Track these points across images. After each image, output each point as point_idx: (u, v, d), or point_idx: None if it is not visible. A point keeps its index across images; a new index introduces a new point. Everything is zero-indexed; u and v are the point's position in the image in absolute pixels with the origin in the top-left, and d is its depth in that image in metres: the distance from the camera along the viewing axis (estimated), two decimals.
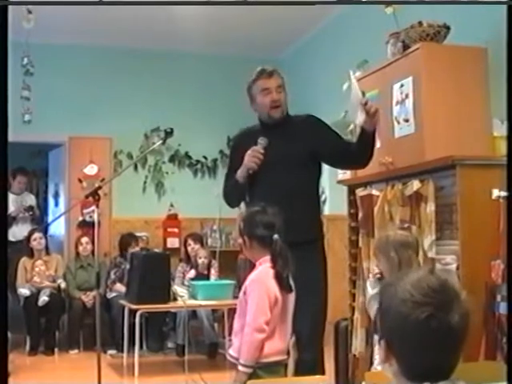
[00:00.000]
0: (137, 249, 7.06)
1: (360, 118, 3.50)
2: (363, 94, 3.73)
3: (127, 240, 7.22)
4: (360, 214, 4.45)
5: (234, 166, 3.78)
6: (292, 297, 2.96)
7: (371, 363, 3.63)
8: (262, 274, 2.89)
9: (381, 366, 1.50)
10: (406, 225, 3.31)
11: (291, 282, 2.92)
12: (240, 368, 2.81)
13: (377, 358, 3.21)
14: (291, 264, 2.91)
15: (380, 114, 3.56)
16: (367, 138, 3.56)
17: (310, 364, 3.46)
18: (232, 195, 3.86)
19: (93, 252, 6.89)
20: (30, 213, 7.57)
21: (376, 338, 3.16)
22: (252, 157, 3.55)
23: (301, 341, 3.47)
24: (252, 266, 2.99)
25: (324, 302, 3.61)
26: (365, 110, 3.43)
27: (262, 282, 2.86)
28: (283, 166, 3.59)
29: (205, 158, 8.39)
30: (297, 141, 3.64)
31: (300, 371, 3.39)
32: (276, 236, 2.90)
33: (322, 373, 3.48)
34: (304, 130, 3.70)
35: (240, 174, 3.62)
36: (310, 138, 3.67)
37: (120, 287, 6.80)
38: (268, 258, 2.90)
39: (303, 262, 3.33)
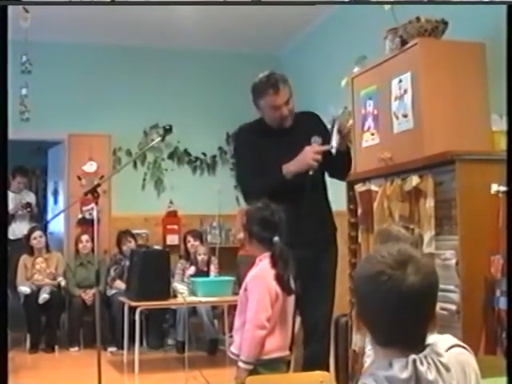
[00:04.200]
0: (129, 245, 7.09)
1: (334, 140, 3.46)
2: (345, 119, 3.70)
3: (119, 237, 7.23)
4: (359, 210, 4.45)
5: (252, 158, 3.60)
6: (293, 297, 2.96)
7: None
8: (263, 271, 2.89)
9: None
10: (411, 226, 3.27)
11: (292, 285, 2.92)
12: (241, 364, 2.81)
13: (366, 351, 3.20)
14: (292, 266, 2.91)
15: (350, 132, 3.68)
16: (343, 156, 3.57)
17: (321, 355, 3.52)
18: (269, 189, 3.41)
19: (92, 249, 6.89)
20: (28, 209, 7.56)
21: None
22: (313, 154, 3.41)
23: (315, 333, 3.51)
24: (252, 263, 3.00)
25: (334, 296, 3.66)
26: (338, 132, 3.45)
27: (262, 279, 2.86)
28: None
29: (204, 154, 8.38)
30: (308, 139, 3.58)
31: (311, 363, 3.41)
32: (276, 238, 2.88)
33: (327, 366, 3.52)
34: (313, 128, 3.65)
35: (292, 169, 3.43)
36: (318, 136, 3.59)
37: (120, 284, 6.81)
38: (268, 254, 2.91)
39: (322, 258, 3.51)
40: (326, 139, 3.62)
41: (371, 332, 1.41)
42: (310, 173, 3.41)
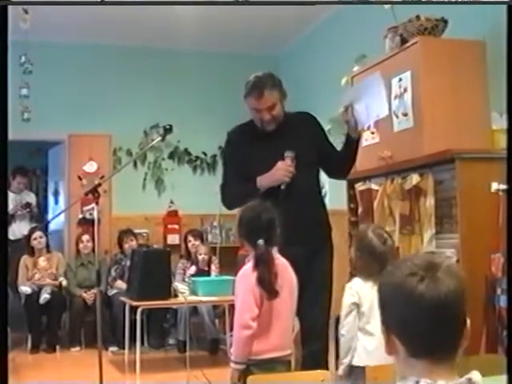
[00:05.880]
0: (131, 243, 7.09)
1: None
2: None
3: (120, 236, 7.23)
4: (360, 209, 4.46)
5: (234, 166, 3.71)
6: (282, 299, 2.87)
7: None
8: (248, 271, 2.85)
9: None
10: (385, 235, 3.13)
11: (277, 287, 2.82)
12: (231, 364, 2.81)
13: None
14: (276, 270, 2.83)
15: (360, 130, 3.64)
16: (351, 145, 3.59)
17: (319, 354, 3.51)
18: (242, 200, 3.48)
19: (93, 249, 6.88)
20: (28, 210, 7.55)
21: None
22: (284, 171, 3.43)
23: (313, 332, 3.51)
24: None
25: (331, 295, 3.66)
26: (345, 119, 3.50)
27: (246, 279, 2.82)
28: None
29: (204, 154, 8.39)
30: (301, 140, 3.58)
31: (309, 362, 3.41)
32: (260, 241, 2.82)
33: (326, 365, 3.52)
34: (306, 129, 3.66)
35: (264, 184, 3.47)
36: (312, 137, 3.64)
37: (121, 284, 6.81)
38: (253, 255, 2.88)
39: (317, 257, 3.53)
40: (323, 142, 3.64)
41: (403, 343, 1.33)
42: (282, 187, 3.42)
